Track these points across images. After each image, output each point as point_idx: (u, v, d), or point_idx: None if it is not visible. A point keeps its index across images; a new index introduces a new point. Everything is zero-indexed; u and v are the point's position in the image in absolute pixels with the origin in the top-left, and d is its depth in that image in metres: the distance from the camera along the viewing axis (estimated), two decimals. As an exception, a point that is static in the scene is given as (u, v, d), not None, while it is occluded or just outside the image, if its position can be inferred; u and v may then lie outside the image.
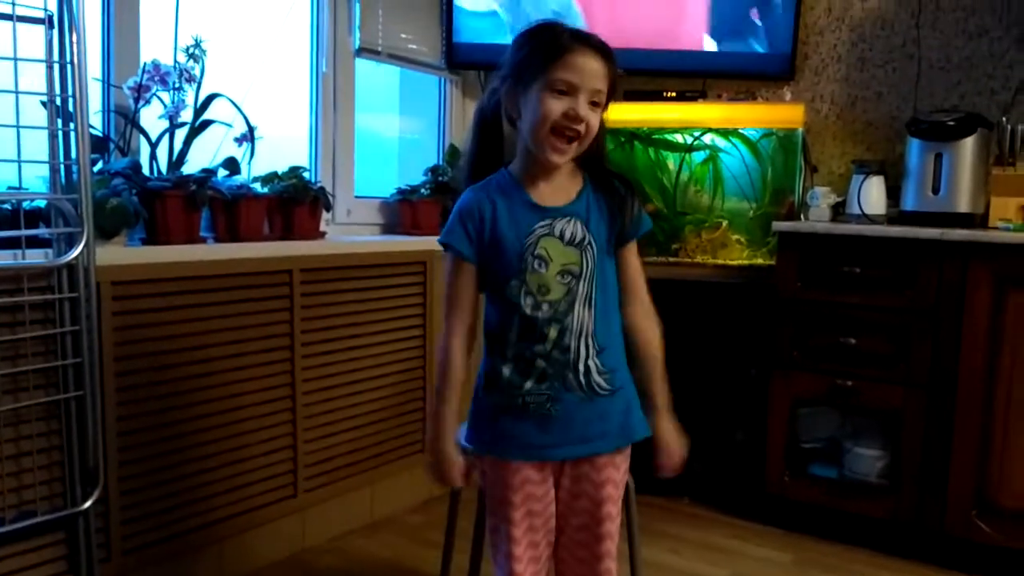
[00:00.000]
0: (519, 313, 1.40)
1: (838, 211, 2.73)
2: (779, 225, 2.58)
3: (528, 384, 1.40)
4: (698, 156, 2.99)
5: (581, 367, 1.41)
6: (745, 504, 2.75)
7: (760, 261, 2.83)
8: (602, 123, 1.41)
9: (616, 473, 1.46)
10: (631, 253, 1.49)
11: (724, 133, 2.94)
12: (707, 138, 2.96)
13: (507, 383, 1.42)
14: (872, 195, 2.64)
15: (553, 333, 1.39)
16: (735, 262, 2.86)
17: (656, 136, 3.00)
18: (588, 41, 1.37)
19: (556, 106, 1.34)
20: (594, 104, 1.37)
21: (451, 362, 1.43)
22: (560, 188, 1.43)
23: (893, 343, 2.41)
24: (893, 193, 2.66)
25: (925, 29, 2.79)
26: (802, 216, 2.75)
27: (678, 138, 2.99)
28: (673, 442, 1.51)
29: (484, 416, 1.46)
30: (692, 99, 2.95)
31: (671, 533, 2.59)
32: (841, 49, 2.94)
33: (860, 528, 2.52)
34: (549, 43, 1.36)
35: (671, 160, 3.01)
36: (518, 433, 1.42)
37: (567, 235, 1.40)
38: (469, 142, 1.52)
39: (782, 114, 2.88)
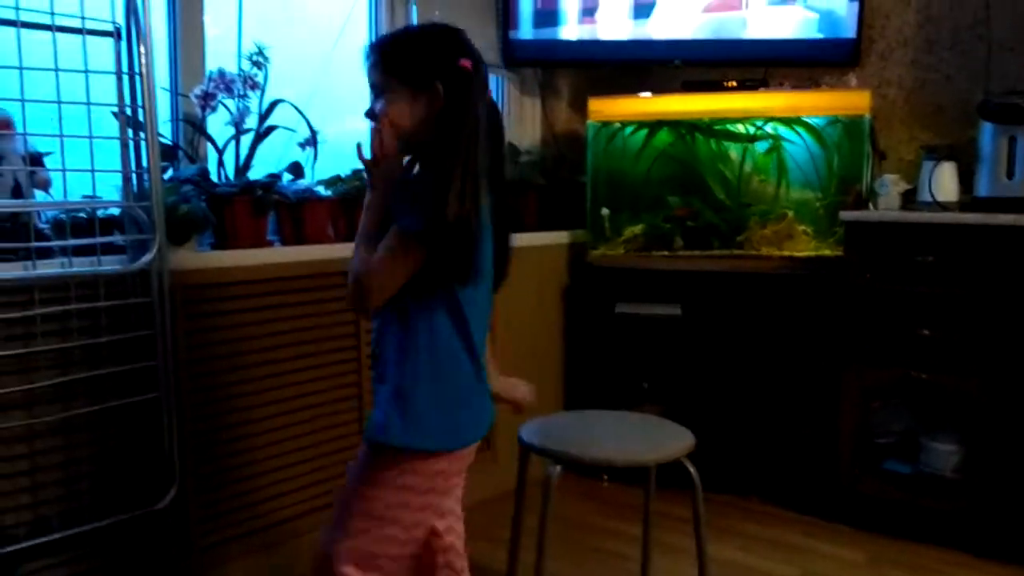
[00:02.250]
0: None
1: (908, 199, 2.66)
2: (847, 215, 2.53)
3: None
4: (761, 146, 2.94)
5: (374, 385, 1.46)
6: (816, 501, 2.70)
7: (827, 252, 2.77)
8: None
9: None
10: None
11: (787, 122, 2.88)
12: (770, 127, 2.91)
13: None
14: (944, 181, 2.56)
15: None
16: (802, 254, 2.80)
17: (717, 127, 2.96)
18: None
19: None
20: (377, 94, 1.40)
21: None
22: None
23: (969, 334, 2.34)
24: (965, 179, 2.58)
25: (994, 8, 2.69)
26: (870, 205, 2.68)
27: (740, 128, 2.95)
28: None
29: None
30: (753, 88, 2.90)
31: (741, 530, 2.56)
32: (908, 32, 2.86)
33: (935, 524, 2.45)
34: None
35: (733, 151, 2.97)
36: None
37: None
38: None
39: (848, 100, 2.81)
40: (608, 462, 1.74)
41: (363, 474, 1.42)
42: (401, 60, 1.40)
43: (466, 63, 1.40)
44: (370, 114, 1.41)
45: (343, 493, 1.46)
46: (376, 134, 1.39)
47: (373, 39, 1.60)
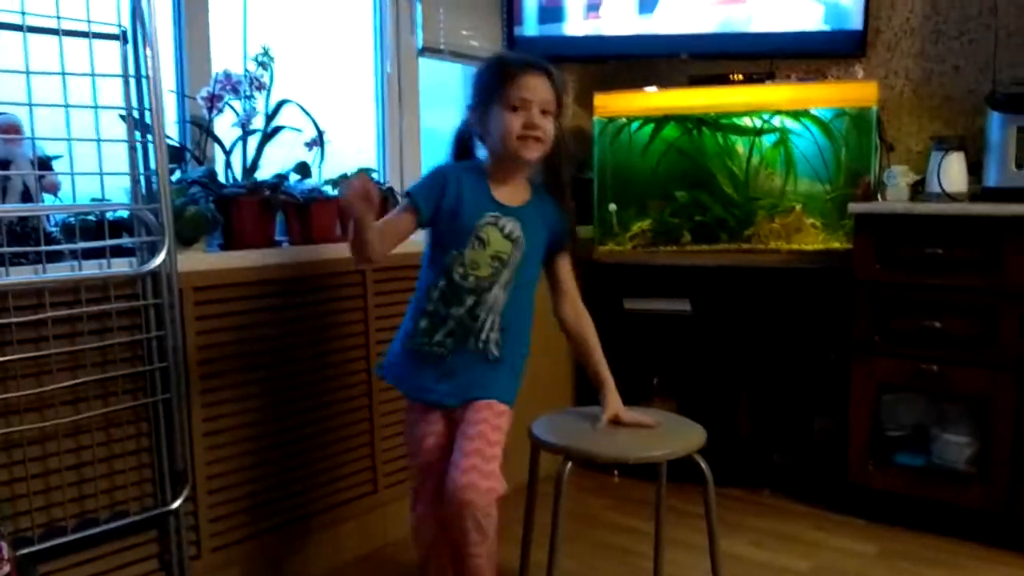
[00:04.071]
0: (448, 278, 1.73)
1: (917, 190, 2.64)
2: (855, 207, 2.52)
3: (437, 336, 1.75)
4: (768, 139, 2.93)
5: (483, 336, 1.74)
6: (827, 495, 2.69)
7: (836, 245, 2.76)
8: (561, 133, 1.76)
9: (491, 413, 1.73)
10: (563, 260, 1.85)
11: (794, 114, 2.87)
12: (777, 120, 2.90)
13: (420, 332, 1.76)
14: (952, 172, 2.54)
15: (470, 302, 1.73)
16: (810, 247, 2.79)
17: (724, 121, 2.95)
18: (532, 63, 1.71)
19: (516, 120, 1.68)
20: (545, 113, 1.70)
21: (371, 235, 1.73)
22: (514, 193, 1.78)
23: (980, 325, 2.33)
24: (974, 169, 2.56)
25: (1003, -3, 2.69)
26: (879, 196, 2.68)
27: (747, 122, 2.94)
28: (618, 408, 1.80)
29: (398, 362, 1.83)
30: (760, 81, 2.89)
31: (752, 525, 2.55)
32: (914, 22, 2.85)
33: (948, 517, 2.44)
34: (501, 71, 1.71)
35: (741, 144, 2.96)
36: (418, 380, 1.78)
37: (507, 230, 1.74)
38: (448, 150, 1.87)
39: (855, 92, 2.80)
40: (620, 458, 1.74)
41: (503, 424, 1.75)
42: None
43: None
44: (533, 126, 1.71)
45: (482, 442, 1.69)
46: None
47: (533, 59, 1.74)
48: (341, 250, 2.30)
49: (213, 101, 2.14)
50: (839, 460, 2.61)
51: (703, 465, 1.70)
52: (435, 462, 1.80)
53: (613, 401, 1.81)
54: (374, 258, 1.66)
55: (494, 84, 1.71)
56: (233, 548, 2.10)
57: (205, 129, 2.19)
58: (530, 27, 3.07)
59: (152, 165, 1.84)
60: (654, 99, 2.96)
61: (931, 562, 2.31)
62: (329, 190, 2.39)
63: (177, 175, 2.11)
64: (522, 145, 1.69)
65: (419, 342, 1.77)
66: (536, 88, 1.69)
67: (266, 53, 2.21)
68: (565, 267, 1.85)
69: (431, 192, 1.74)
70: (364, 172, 2.21)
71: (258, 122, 2.23)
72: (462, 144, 1.84)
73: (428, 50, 2.86)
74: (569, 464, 1.66)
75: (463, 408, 1.75)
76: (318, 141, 2.32)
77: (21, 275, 1.68)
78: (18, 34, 1.66)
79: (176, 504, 1.92)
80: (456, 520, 1.66)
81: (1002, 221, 2.26)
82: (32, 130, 1.72)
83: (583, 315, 1.87)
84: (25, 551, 1.66)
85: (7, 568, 1.53)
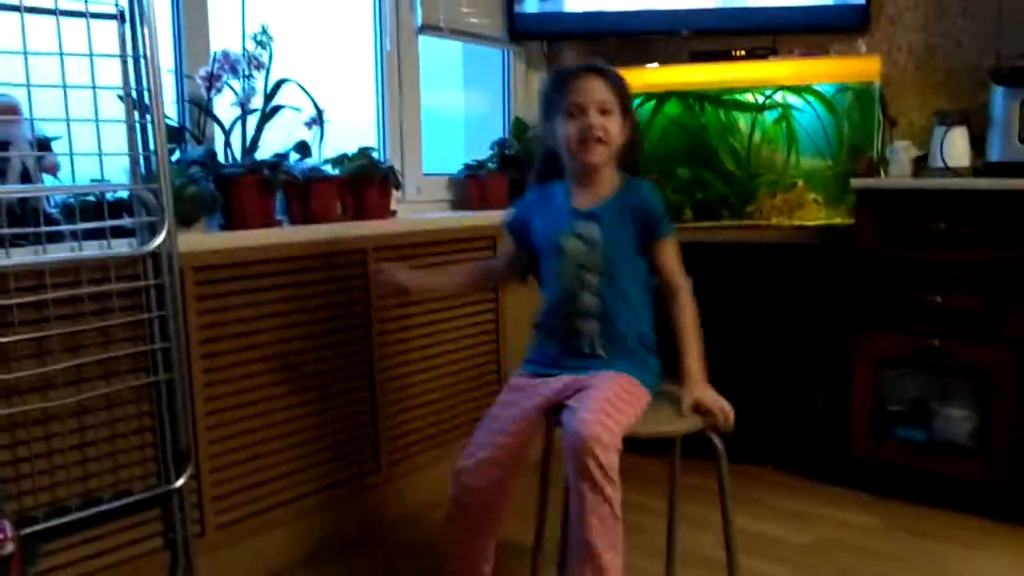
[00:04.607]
0: (549, 289, 1.80)
1: (920, 165, 2.63)
2: (858, 182, 2.51)
3: (550, 341, 1.79)
4: (771, 115, 2.91)
5: (586, 339, 1.75)
6: (829, 469, 2.70)
7: (839, 221, 2.75)
8: (636, 129, 1.81)
9: (605, 376, 1.69)
10: (660, 246, 1.80)
11: (797, 90, 2.85)
12: (779, 96, 2.88)
13: (537, 336, 1.84)
14: (955, 147, 2.53)
15: (563, 310, 1.77)
16: (812, 222, 2.79)
17: (726, 97, 2.93)
18: (585, 68, 1.75)
19: (572, 127, 1.72)
20: (605, 112, 1.72)
21: (463, 266, 1.97)
22: (596, 192, 1.78)
23: (982, 300, 2.33)
24: (978, 144, 2.55)
25: (1007, -30, 2.66)
26: (882, 172, 2.66)
27: (749, 98, 2.92)
28: (709, 402, 1.69)
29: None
30: (762, 56, 2.87)
31: (755, 499, 2.57)
32: (918, -4, 2.82)
33: (949, 491, 2.45)
34: (557, 81, 1.76)
35: (742, 121, 2.94)
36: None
37: (585, 234, 1.75)
38: (536, 162, 1.92)
39: (857, 67, 2.78)
40: (632, 434, 1.73)
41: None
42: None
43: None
44: (590, 127, 1.73)
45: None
46: None
47: (588, 65, 1.78)
48: (341, 229, 2.30)
49: (212, 81, 2.14)
50: (841, 435, 2.62)
51: (717, 441, 1.69)
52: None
53: (687, 390, 1.73)
54: (465, 290, 1.90)
55: (553, 95, 1.76)
56: (236, 526, 2.12)
57: (204, 109, 2.19)
58: (530, 4, 3.05)
59: (151, 145, 1.84)
60: (655, 75, 2.94)
61: (933, 535, 2.32)
62: (329, 169, 2.39)
63: (176, 155, 2.10)
64: (582, 149, 1.72)
65: (539, 343, 1.84)
66: (589, 90, 1.71)
67: (265, 32, 2.20)
68: (662, 254, 1.80)
69: (512, 222, 1.91)
70: (374, 271, 2.16)
71: (257, 102, 2.22)
72: (549, 160, 1.85)
73: (427, 27, 2.84)
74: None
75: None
76: (317, 120, 2.31)
77: (22, 256, 1.69)
78: (15, 14, 1.66)
79: (179, 483, 1.93)
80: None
81: (1005, 196, 2.25)
82: (31, 111, 1.72)
83: (676, 305, 1.80)
84: (29, 530, 1.67)
85: (11, 547, 1.54)
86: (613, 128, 1.73)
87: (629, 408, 1.64)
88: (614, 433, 1.56)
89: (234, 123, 2.21)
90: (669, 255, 1.81)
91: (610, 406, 1.60)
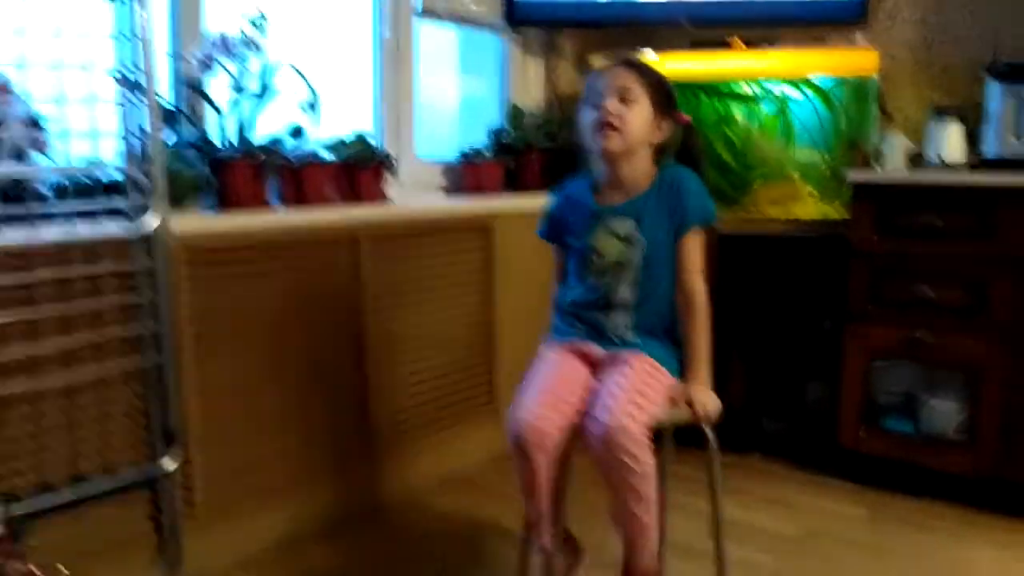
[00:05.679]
0: (582, 281, 1.75)
1: (915, 160, 2.63)
2: (854, 176, 2.51)
3: (579, 325, 1.76)
4: (767, 107, 2.91)
5: (618, 332, 1.73)
6: (818, 459, 2.72)
7: (833, 214, 2.75)
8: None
9: (633, 356, 1.68)
10: (685, 239, 1.72)
11: (794, 82, 2.85)
12: (776, 88, 2.87)
13: (564, 319, 1.79)
14: (951, 142, 2.54)
15: (598, 303, 1.73)
16: (807, 216, 2.79)
17: (722, 88, 2.93)
18: (619, 62, 1.73)
19: (588, 115, 1.69)
20: (624, 100, 1.66)
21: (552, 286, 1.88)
22: (622, 189, 1.73)
23: (973, 294, 2.33)
24: (973, 139, 2.55)
25: (1005, -34, 2.65)
26: (877, 166, 2.66)
27: (745, 89, 2.91)
28: (694, 398, 1.68)
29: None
30: (769, 44, 2.86)
31: (741, 488, 2.58)
32: (917, -10, 2.82)
33: (936, 483, 2.47)
34: (590, 76, 1.74)
35: (739, 112, 2.94)
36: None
37: (620, 231, 1.71)
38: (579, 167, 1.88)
39: (855, 60, 2.78)
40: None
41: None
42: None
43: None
44: (603, 111, 1.67)
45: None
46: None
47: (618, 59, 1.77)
48: (335, 213, 2.30)
49: (207, 62, 2.13)
50: (830, 425, 2.63)
51: (709, 432, 1.70)
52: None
53: (684, 386, 1.71)
54: None
55: (585, 90, 1.72)
56: (225, 508, 2.12)
57: (198, 90, 2.17)
58: (528, -10, 3.03)
59: (145, 126, 1.83)
60: (652, 65, 2.92)
61: (920, 526, 2.34)
62: (324, 153, 2.38)
63: (170, 137, 2.09)
64: (596, 137, 1.67)
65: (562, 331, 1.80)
66: (609, 79, 1.67)
67: (261, 15, 2.19)
68: (684, 247, 1.72)
69: (545, 225, 1.84)
70: None
71: (252, 85, 2.21)
72: (581, 156, 1.82)
73: (427, 13, 2.83)
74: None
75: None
76: (312, 104, 2.30)
77: (13, 236, 1.68)
78: (8, -8, 1.65)
79: (168, 464, 1.93)
80: None
81: (1000, 191, 2.26)
82: (24, 90, 1.71)
83: (686, 301, 1.73)
84: (18, 511, 1.67)
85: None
86: (632, 116, 1.66)
87: (655, 394, 1.63)
88: (640, 423, 1.56)
89: (228, 105, 2.20)
90: (689, 251, 1.72)
91: (638, 395, 1.60)
